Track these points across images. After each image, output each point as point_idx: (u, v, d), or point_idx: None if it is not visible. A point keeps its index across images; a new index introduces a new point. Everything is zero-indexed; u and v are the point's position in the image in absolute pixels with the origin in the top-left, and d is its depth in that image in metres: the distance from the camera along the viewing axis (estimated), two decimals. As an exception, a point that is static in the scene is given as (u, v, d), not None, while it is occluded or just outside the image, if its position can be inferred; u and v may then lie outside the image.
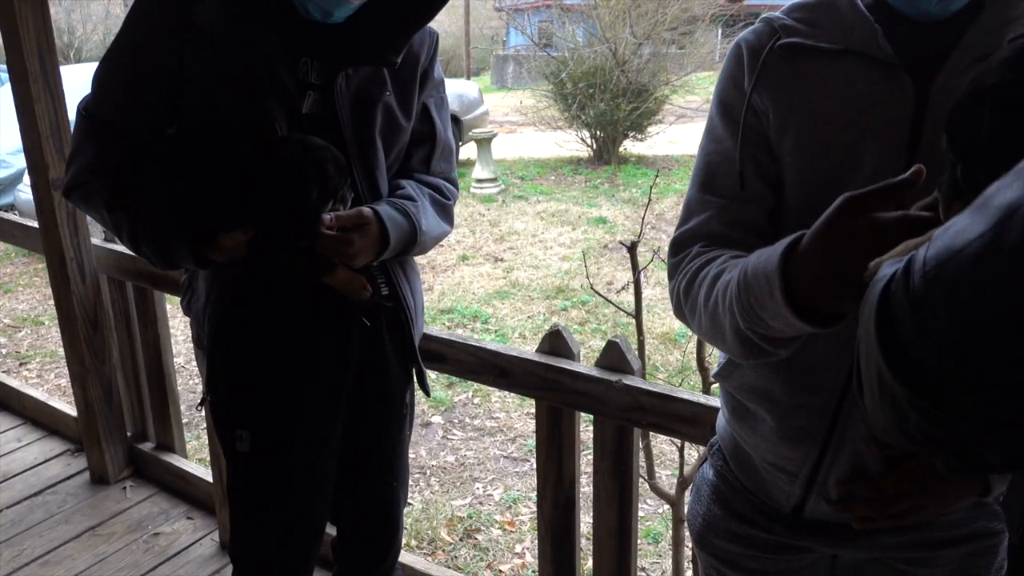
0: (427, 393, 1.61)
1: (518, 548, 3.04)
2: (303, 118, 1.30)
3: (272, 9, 1.27)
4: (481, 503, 3.37)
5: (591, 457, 1.73)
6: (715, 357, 1.11)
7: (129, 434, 2.77)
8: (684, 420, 1.53)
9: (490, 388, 3.88)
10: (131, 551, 2.40)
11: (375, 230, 1.33)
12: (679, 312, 1.01)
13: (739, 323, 0.85)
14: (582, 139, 10.23)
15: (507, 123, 13.62)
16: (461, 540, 3.10)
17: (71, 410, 2.92)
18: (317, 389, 1.45)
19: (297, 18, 1.29)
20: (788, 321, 0.78)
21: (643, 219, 1.99)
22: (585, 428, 2.52)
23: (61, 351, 2.75)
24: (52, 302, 2.65)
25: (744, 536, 1.08)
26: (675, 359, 4.58)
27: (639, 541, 3.07)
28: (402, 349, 1.53)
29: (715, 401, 1.45)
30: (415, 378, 1.60)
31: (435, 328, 1.85)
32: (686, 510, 1.26)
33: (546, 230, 7.33)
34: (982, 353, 0.42)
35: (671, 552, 2.10)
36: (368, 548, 1.69)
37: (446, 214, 1.52)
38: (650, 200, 2.15)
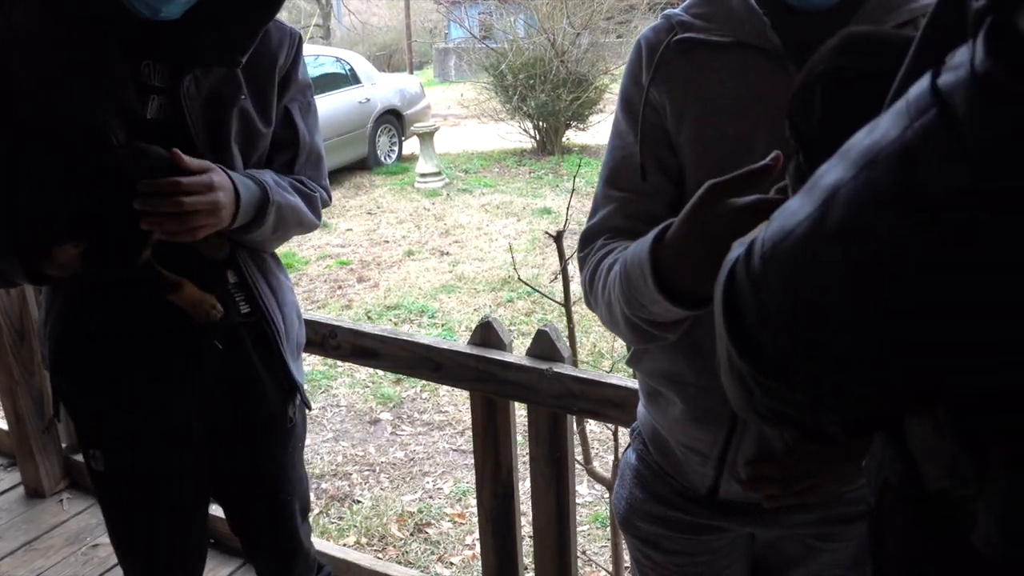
0: (308, 407, 1.56)
1: (468, 540, 3.06)
2: (149, 124, 1.24)
3: (100, 8, 1.20)
4: (431, 497, 3.38)
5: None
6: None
7: (64, 445, 2.70)
8: (614, 405, 1.57)
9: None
10: (70, 564, 2.35)
11: (221, 180, 1.22)
12: (588, 304, 1.04)
13: (625, 310, 0.88)
14: (525, 130, 10.25)
15: (451, 116, 13.57)
16: (412, 535, 3.11)
17: (2, 423, 2.84)
18: (169, 410, 1.41)
19: (132, 17, 1.22)
20: (663, 305, 0.81)
21: (568, 207, 2.01)
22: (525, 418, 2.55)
23: (-9, 364, 2.68)
24: (-22, 314, 2.57)
25: (664, 518, 1.11)
26: (620, 345, 4.64)
27: (588, 526, 3.13)
28: (272, 366, 1.45)
29: (641, 385, 1.48)
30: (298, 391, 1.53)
31: (368, 325, 1.85)
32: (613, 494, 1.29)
33: (491, 222, 7.34)
34: (811, 329, 0.44)
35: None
36: (271, 562, 1.68)
37: (310, 203, 1.43)
38: (573, 190, 2.18)
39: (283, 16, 1.41)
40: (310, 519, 1.69)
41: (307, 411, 1.59)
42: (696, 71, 0.97)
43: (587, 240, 1.03)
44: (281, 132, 1.41)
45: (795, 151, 0.69)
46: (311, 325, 1.88)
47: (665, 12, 1.03)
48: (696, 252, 0.76)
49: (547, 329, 1.67)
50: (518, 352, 1.74)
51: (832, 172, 0.44)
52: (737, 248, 0.52)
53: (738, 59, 0.95)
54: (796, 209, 0.46)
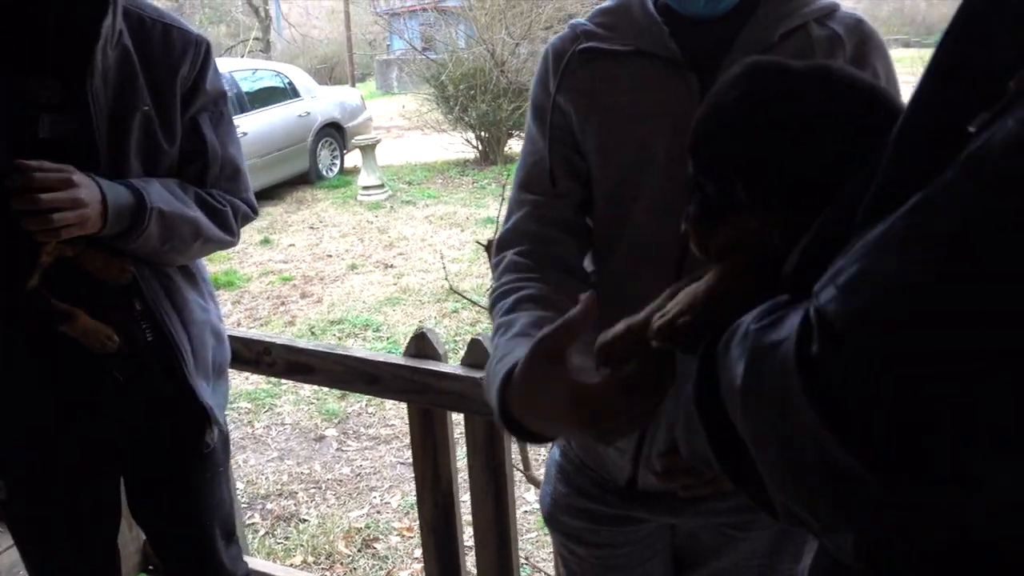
0: (222, 431, 1.52)
1: (417, 553, 3.04)
2: (43, 144, 1.19)
3: None
4: (379, 512, 3.36)
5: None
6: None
7: (-7, 477, 2.62)
8: (548, 410, 1.58)
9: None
10: (0, 600, 2.28)
11: (81, 177, 1.17)
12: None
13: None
14: (467, 141, 10.28)
15: (393, 128, 13.53)
16: (359, 551, 3.08)
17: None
18: (73, 440, 1.38)
19: (17, 28, 1.17)
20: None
21: (498, 215, 2.01)
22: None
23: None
24: None
25: (586, 511, 1.14)
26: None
27: (536, 533, 3.14)
28: (182, 390, 1.40)
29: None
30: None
31: (303, 340, 1.84)
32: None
33: (435, 233, 7.34)
34: (971, 403, 0.38)
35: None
36: None
37: (216, 217, 1.37)
38: (503, 198, 2.19)
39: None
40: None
41: (227, 434, 1.56)
42: (598, 80, 1.00)
43: (500, 245, 1.06)
44: (188, 144, 1.35)
45: (697, 187, 0.65)
46: (244, 342, 1.86)
47: (571, 21, 1.06)
48: (532, 406, 0.76)
49: (481, 338, 1.68)
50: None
51: (937, 220, 0.38)
52: (768, 331, 0.46)
53: (638, 67, 0.98)
54: (892, 273, 0.39)
